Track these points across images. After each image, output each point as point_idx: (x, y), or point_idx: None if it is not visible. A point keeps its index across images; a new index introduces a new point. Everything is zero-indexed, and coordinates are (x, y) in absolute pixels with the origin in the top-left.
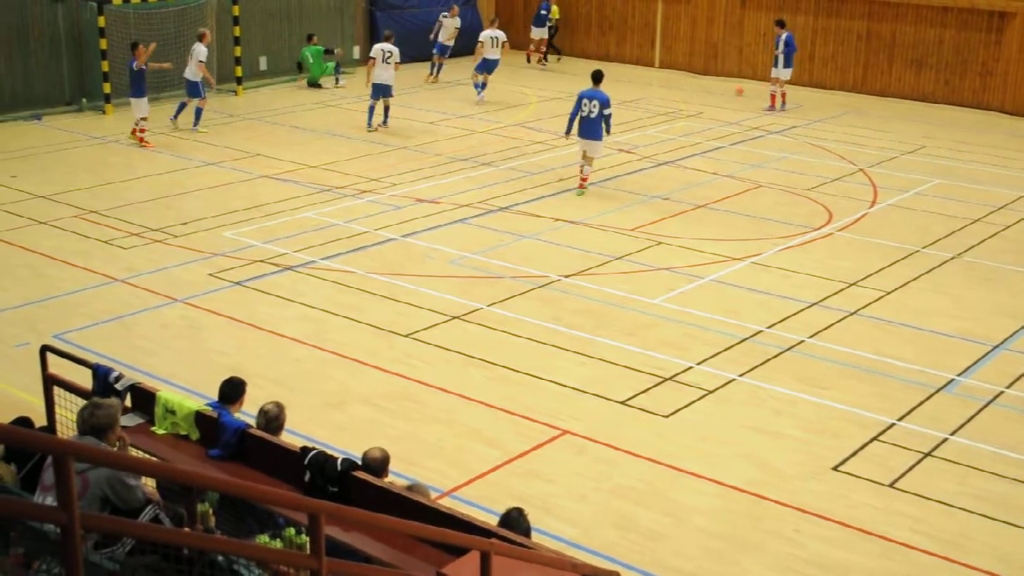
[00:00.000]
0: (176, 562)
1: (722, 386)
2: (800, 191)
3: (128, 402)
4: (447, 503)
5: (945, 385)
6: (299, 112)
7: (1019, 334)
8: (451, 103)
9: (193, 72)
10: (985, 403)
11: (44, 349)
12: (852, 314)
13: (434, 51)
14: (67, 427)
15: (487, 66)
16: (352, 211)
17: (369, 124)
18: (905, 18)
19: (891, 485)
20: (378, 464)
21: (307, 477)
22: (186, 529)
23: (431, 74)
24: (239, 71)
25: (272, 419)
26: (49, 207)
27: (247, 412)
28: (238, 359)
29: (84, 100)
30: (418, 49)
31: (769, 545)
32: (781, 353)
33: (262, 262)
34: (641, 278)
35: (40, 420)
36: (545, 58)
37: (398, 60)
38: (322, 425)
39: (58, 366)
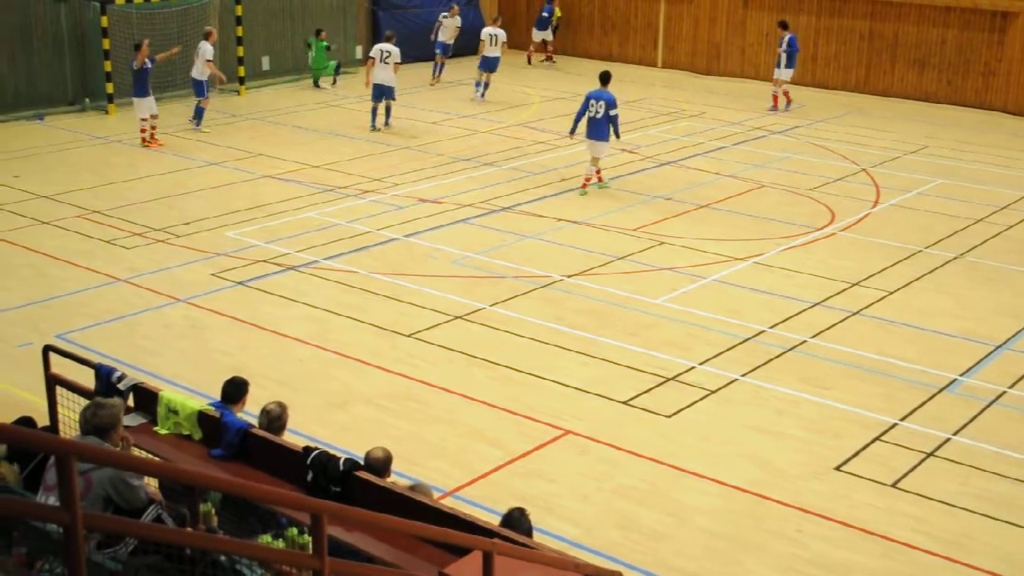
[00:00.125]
0: (179, 562)
1: (724, 386)
2: (803, 191)
3: (131, 402)
4: (449, 503)
5: (947, 385)
6: (302, 112)
7: (1021, 334)
8: (453, 103)
9: (200, 71)
10: (987, 403)
11: (47, 349)
12: (854, 314)
13: (436, 51)
14: (70, 427)
15: (487, 64)
16: (355, 211)
17: (372, 126)
18: (908, 18)
19: (893, 485)
20: (381, 464)
21: (310, 477)
22: (189, 529)
23: (435, 76)
24: (242, 71)
25: (274, 419)
26: (52, 207)
27: (249, 412)
28: (241, 359)
29: (87, 100)
30: (420, 49)
31: (771, 545)
32: (783, 353)
33: (265, 262)
34: (643, 278)
35: (43, 420)
36: (551, 58)
37: (398, 60)
38: (325, 425)
39: (61, 366)
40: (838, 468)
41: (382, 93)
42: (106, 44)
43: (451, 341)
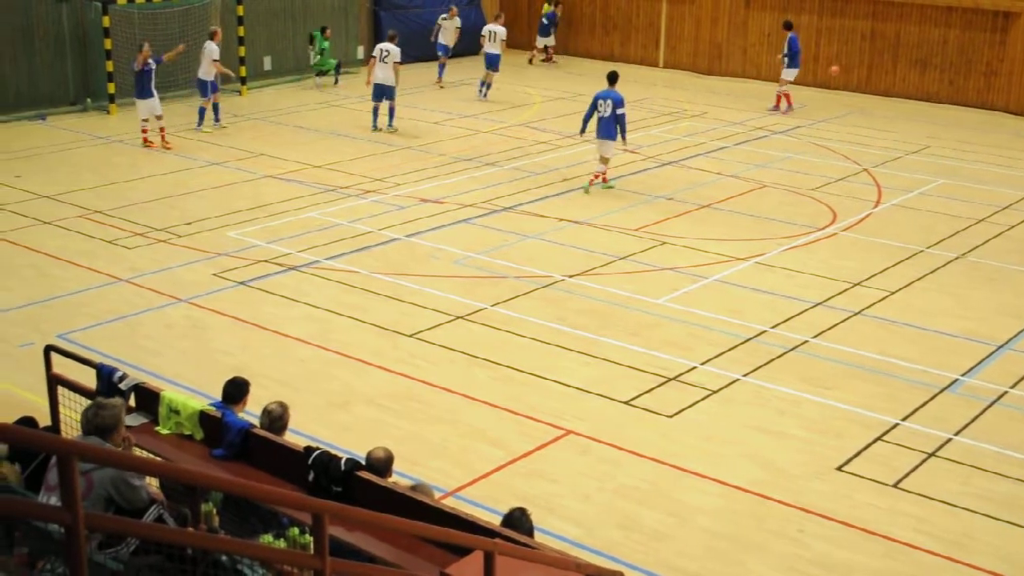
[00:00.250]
0: (180, 562)
1: (726, 386)
2: (804, 191)
3: (132, 402)
4: (451, 503)
5: (949, 385)
6: (303, 112)
7: (1023, 334)
8: (455, 103)
9: (206, 71)
10: (989, 403)
11: (48, 349)
12: (856, 314)
13: (438, 52)
14: (71, 427)
15: (487, 61)
16: (356, 211)
17: (374, 126)
18: (909, 18)
19: (895, 485)
20: (382, 464)
21: (311, 477)
22: (190, 529)
23: (439, 78)
24: (243, 71)
25: (276, 419)
26: (53, 207)
27: (251, 412)
28: (242, 359)
29: (88, 100)
30: (421, 49)
31: (773, 545)
32: (785, 353)
33: (266, 262)
34: (645, 278)
35: (44, 420)
36: (551, 58)
37: (397, 60)
38: (326, 425)
39: (62, 366)
40: (840, 468)
41: (382, 93)
42: (108, 44)
43: (452, 341)
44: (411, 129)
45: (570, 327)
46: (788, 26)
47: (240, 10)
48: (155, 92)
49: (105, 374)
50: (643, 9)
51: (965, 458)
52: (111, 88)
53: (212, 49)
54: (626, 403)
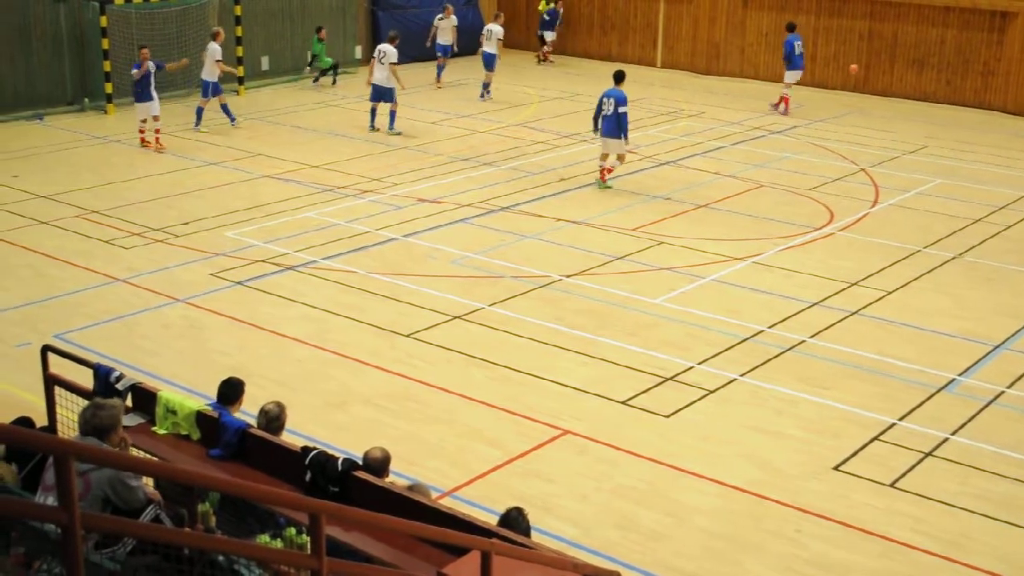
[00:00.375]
0: (177, 562)
1: (723, 386)
2: (802, 191)
3: (129, 402)
4: (448, 503)
5: (946, 385)
6: (301, 112)
7: (1020, 334)
8: (453, 103)
9: (209, 72)
10: (986, 403)
11: (45, 349)
12: (853, 314)
13: (437, 53)
14: (68, 427)
15: (483, 60)
16: (353, 211)
17: (371, 126)
18: (907, 18)
19: (892, 485)
20: (379, 464)
21: (308, 477)
22: (187, 529)
23: (438, 79)
24: (241, 71)
25: (273, 419)
26: (51, 207)
27: (248, 412)
28: (239, 359)
29: (86, 100)
30: (419, 50)
31: (770, 545)
32: (782, 353)
33: (263, 262)
34: (642, 278)
35: (41, 420)
36: (547, 58)
37: (393, 61)
38: (323, 425)
39: (59, 366)
40: (837, 468)
41: (379, 94)
42: (105, 44)
43: (450, 341)
44: (409, 129)
45: (567, 327)
46: (791, 28)
47: (238, 10)
48: (155, 95)
49: (102, 374)
50: (641, 9)
51: (962, 458)
52: (108, 88)
53: (215, 50)
54: (623, 403)
